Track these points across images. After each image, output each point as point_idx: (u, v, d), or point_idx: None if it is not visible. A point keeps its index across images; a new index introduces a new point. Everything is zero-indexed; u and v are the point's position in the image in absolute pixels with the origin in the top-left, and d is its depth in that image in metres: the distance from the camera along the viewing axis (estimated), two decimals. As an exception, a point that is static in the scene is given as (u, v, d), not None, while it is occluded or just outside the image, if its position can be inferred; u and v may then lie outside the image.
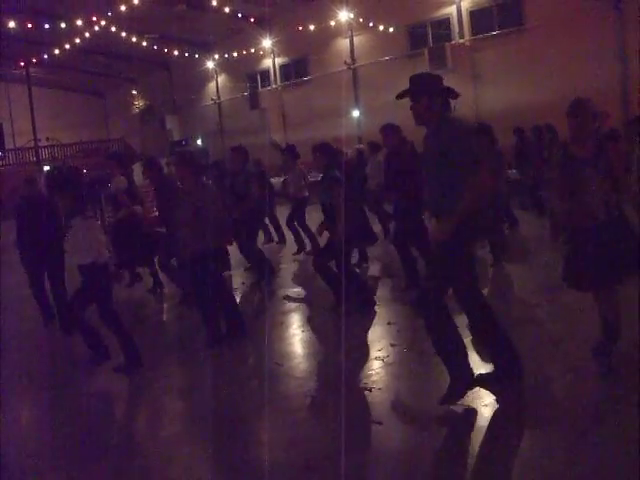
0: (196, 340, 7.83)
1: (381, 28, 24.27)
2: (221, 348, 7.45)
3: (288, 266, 12.20)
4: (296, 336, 7.91)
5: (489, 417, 5.03)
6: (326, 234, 8.77)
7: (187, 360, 7.42)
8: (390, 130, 9.31)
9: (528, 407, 5.21)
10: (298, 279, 11.03)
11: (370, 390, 5.79)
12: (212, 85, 34.46)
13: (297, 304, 9.38)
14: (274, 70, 30.78)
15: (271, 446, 4.94)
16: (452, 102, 5.25)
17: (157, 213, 10.11)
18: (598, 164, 5.41)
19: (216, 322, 7.59)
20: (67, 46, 28.17)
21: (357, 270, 10.31)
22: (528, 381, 5.47)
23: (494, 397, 5.27)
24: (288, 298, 9.65)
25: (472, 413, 5.10)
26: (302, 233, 13.05)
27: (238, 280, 11.24)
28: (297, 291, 10.14)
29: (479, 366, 5.65)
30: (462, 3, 22.37)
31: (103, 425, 5.89)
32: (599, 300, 5.63)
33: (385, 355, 6.68)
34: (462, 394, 5.17)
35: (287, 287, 10.47)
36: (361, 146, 17.25)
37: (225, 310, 7.74)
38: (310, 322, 8.40)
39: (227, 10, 25.72)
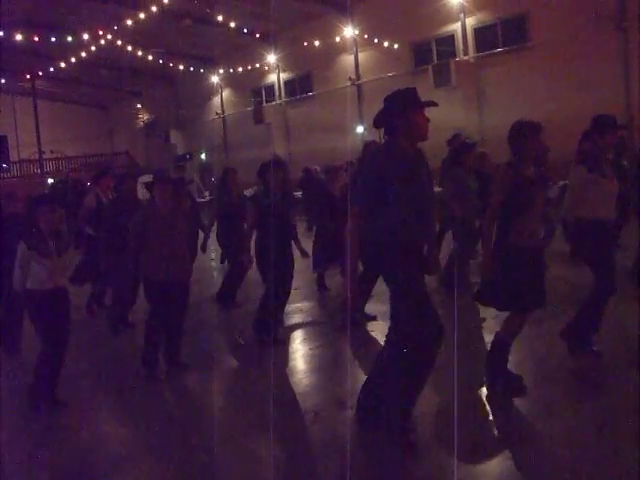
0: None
1: (386, 45, 24.38)
2: (228, 361, 7.45)
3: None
4: (299, 351, 7.90)
5: (486, 426, 5.04)
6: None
7: (190, 373, 7.41)
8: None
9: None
10: (302, 294, 10.99)
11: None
12: (217, 100, 34.57)
13: (301, 319, 9.37)
14: (279, 85, 30.88)
15: (275, 461, 4.93)
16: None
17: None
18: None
19: (154, 349, 7.36)
20: (73, 59, 28.38)
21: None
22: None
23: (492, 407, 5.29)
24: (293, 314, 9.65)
25: (471, 423, 5.09)
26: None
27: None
28: (300, 306, 10.11)
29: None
30: (467, 20, 22.45)
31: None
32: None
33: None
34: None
35: (291, 302, 10.45)
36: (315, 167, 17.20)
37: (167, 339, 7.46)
38: (314, 337, 8.38)
39: (232, 25, 25.82)
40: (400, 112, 4.83)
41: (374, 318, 8.52)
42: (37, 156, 34.84)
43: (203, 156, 35.19)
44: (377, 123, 5.03)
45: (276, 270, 7.59)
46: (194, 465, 5.09)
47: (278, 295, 7.88)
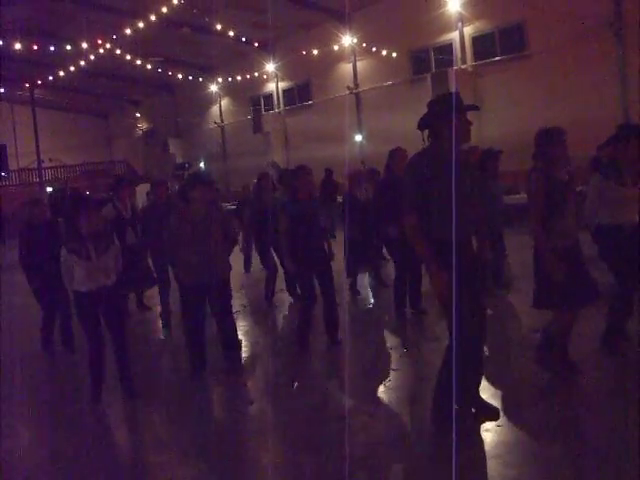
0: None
1: (384, 53, 24.39)
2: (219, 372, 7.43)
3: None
4: (297, 360, 7.88)
5: (491, 442, 5.01)
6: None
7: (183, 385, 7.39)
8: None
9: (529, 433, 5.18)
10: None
11: (371, 415, 5.77)
12: (215, 108, 34.61)
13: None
14: (277, 94, 30.90)
15: (272, 471, 4.91)
16: None
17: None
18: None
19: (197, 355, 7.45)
20: (72, 68, 28.41)
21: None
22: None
23: (495, 423, 5.26)
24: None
25: (474, 437, 5.07)
26: None
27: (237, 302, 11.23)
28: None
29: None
30: (465, 29, 22.48)
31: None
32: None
33: (387, 379, 6.67)
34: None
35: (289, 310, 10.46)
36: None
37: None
38: (312, 346, 8.35)
39: (231, 34, 25.90)
40: (444, 115, 5.02)
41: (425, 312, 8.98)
42: (36, 165, 34.86)
43: (202, 165, 35.17)
44: (421, 126, 5.24)
45: (316, 273, 7.90)
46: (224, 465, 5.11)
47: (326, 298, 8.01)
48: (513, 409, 5.53)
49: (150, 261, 10.08)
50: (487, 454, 4.85)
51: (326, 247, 8.18)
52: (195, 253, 7.07)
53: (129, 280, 10.30)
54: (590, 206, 6.69)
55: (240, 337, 8.76)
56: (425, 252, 4.98)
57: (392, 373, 6.90)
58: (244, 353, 8.29)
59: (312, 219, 7.89)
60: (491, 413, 5.35)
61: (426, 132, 5.22)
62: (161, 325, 10.07)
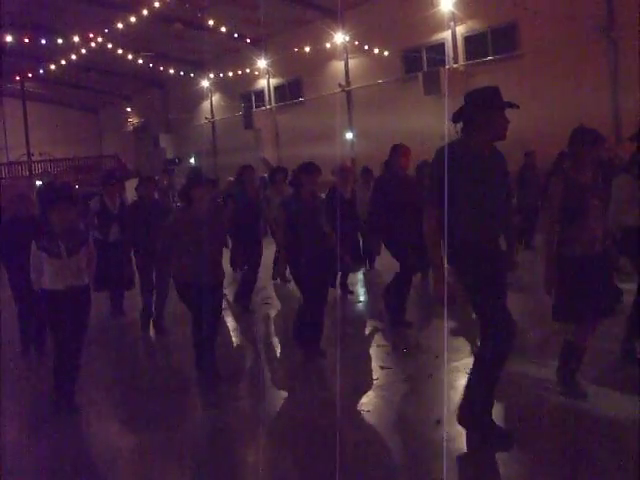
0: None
1: (376, 51, 24.39)
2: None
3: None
4: (286, 357, 7.88)
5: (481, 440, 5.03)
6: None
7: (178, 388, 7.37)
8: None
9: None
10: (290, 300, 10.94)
11: (360, 412, 5.77)
12: (206, 104, 34.54)
13: (286, 326, 9.32)
14: (268, 91, 30.86)
15: (262, 469, 4.92)
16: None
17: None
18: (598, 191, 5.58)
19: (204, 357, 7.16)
20: (63, 62, 28.30)
21: None
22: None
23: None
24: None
25: (462, 435, 5.08)
26: None
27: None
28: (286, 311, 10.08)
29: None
30: (457, 28, 22.51)
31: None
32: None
33: (375, 377, 6.68)
34: None
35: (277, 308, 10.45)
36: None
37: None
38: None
39: (223, 30, 25.84)
40: (481, 110, 4.79)
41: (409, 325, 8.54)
42: (26, 158, 34.68)
43: (192, 160, 35.08)
44: (456, 118, 4.97)
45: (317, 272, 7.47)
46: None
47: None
48: (514, 413, 5.55)
49: (134, 259, 9.63)
50: (485, 453, 4.87)
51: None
52: (198, 252, 6.84)
53: (108, 279, 9.94)
54: (618, 208, 6.29)
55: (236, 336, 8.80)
56: (436, 254, 4.72)
57: (381, 372, 6.91)
58: (235, 352, 8.30)
59: (314, 219, 7.54)
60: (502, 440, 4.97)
61: (459, 125, 4.96)
62: (140, 325, 9.53)
